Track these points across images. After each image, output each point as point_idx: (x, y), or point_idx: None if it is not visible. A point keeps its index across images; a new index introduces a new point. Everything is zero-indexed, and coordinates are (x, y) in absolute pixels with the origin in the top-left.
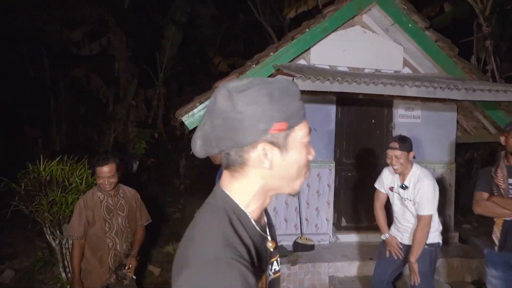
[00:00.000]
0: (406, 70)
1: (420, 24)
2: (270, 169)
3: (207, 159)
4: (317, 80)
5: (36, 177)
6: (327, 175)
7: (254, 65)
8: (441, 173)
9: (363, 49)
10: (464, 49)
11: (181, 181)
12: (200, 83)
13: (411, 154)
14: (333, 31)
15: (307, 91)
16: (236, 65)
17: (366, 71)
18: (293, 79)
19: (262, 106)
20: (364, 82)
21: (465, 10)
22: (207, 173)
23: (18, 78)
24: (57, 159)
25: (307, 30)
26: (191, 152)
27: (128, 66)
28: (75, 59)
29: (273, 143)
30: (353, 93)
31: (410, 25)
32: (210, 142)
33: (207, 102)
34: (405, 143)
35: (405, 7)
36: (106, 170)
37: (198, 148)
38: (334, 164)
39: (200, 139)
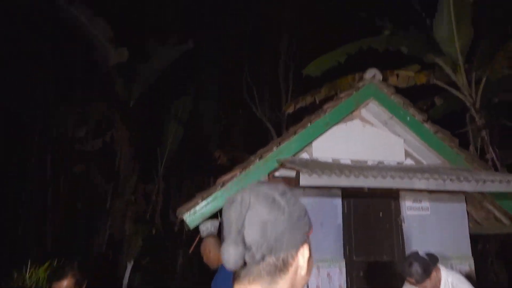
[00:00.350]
0: (409, 161)
1: (417, 117)
2: (305, 274)
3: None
4: (324, 174)
5: (20, 286)
6: (338, 275)
7: (258, 160)
8: (459, 269)
9: (364, 141)
10: (459, 139)
11: (177, 284)
12: (200, 177)
13: (433, 274)
14: (333, 125)
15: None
16: (236, 159)
17: (369, 163)
18: (298, 174)
19: (302, 209)
20: (372, 175)
21: (456, 103)
22: (206, 274)
23: (19, 174)
24: (46, 264)
25: (309, 124)
26: (190, 251)
27: (129, 162)
28: (77, 154)
29: (308, 246)
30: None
31: (408, 118)
32: (250, 248)
33: (210, 199)
34: (422, 273)
35: (401, 101)
36: (63, 286)
37: (238, 256)
38: (345, 263)
39: (241, 246)
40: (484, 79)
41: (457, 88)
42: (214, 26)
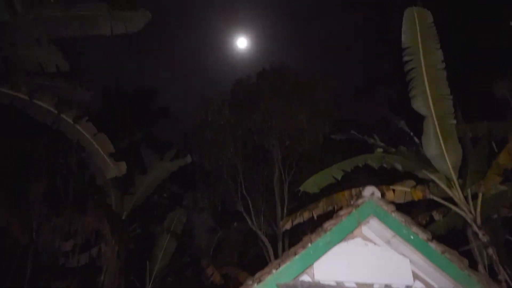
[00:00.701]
0: (418, 284)
1: (421, 236)
2: None
3: None
4: None
5: None
6: None
7: (256, 284)
8: None
9: (368, 262)
10: (464, 256)
11: None
12: None
13: None
14: (335, 245)
15: None
16: (230, 275)
17: (376, 286)
18: None
19: None
20: None
21: (456, 219)
22: None
23: None
24: None
25: (309, 244)
26: None
27: (115, 278)
28: (60, 270)
29: None
30: None
31: (412, 237)
32: None
33: None
34: None
35: (403, 219)
36: None
37: None
38: None
39: None
40: (480, 195)
41: (454, 203)
42: (211, 140)
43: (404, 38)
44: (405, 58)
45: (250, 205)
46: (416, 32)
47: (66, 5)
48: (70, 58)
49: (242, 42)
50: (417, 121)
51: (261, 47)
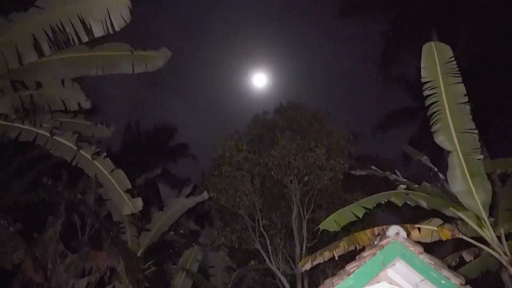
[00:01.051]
0: None
1: (454, 280)
2: None
3: None
4: None
5: None
6: None
7: None
8: None
9: None
10: None
11: None
12: None
13: None
14: None
15: None
16: None
17: None
18: None
19: None
20: None
21: (490, 261)
22: None
23: None
24: None
25: None
26: None
27: None
28: None
29: None
30: None
31: (443, 281)
32: None
33: None
34: None
35: (432, 262)
36: None
37: None
38: None
39: None
40: None
41: (486, 243)
42: (228, 176)
43: (423, 72)
44: (426, 92)
45: (268, 243)
46: (436, 66)
47: (90, 45)
48: (92, 95)
49: (259, 79)
50: (439, 156)
51: (278, 83)
